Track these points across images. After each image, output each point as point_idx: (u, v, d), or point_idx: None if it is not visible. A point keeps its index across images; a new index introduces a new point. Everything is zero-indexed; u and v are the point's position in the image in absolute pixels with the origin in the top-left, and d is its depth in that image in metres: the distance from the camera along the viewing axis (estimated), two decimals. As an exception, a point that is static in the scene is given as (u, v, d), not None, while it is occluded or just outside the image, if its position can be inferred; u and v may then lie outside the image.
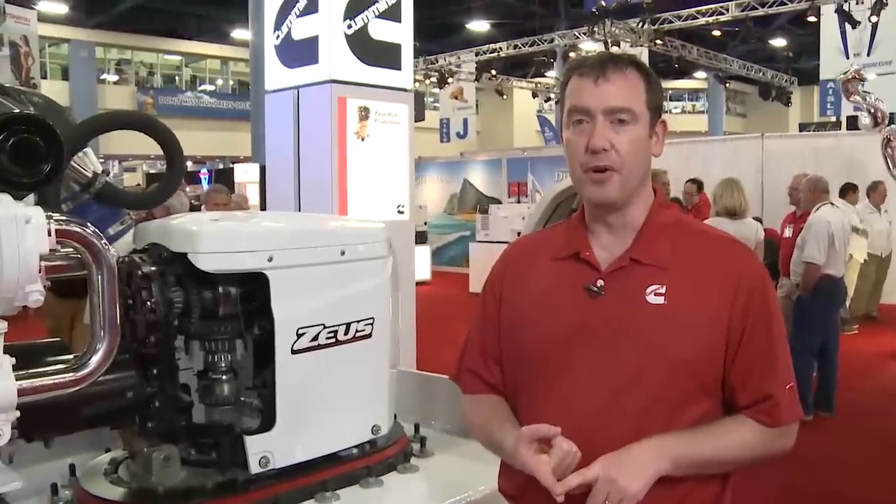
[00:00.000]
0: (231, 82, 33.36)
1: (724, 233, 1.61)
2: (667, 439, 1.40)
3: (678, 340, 1.43)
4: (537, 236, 1.79)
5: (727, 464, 1.48)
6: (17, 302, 1.20)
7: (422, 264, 14.10)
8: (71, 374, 1.32)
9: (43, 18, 20.40)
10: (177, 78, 32.47)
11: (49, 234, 1.21)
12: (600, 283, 1.48)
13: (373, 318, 1.80)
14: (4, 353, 1.24)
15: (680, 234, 1.53)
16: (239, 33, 26.02)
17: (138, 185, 21.96)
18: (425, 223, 16.23)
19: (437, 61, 22.85)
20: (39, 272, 1.20)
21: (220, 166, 24.33)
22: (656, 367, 1.42)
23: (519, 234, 9.78)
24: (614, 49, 15.50)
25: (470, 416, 1.67)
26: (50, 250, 1.22)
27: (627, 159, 1.46)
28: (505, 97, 26.41)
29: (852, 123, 14.70)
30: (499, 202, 16.69)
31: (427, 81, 23.61)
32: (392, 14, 5.04)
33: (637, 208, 1.53)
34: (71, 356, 1.44)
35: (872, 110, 8.16)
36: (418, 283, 7.48)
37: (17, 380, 1.24)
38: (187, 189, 11.77)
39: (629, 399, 1.42)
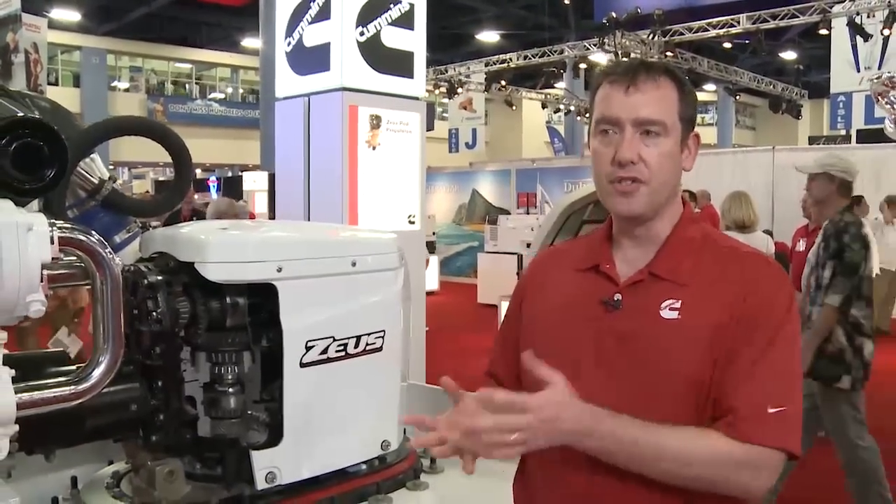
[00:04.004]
0: (241, 91, 33.50)
1: (754, 250, 1.51)
2: (611, 417, 1.30)
3: (692, 359, 1.35)
4: (565, 246, 1.76)
5: (667, 468, 1.31)
6: (17, 312, 1.15)
7: (430, 274, 14.09)
8: (72, 387, 1.27)
9: (55, 25, 20.55)
10: (187, 86, 32.62)
11: (52, 242, 1.17)
12: (617, 296, 1.44)
13: (384, 330, 1.75)
14: (4, 364, 1.20)
15: (705, 249, 1.46)
16: (249, 42, 26.18)
17: (147, 192, 22.04)
18: (434, 233, 16.25)
19: (447, 71, 22.86)
20: (41, 281, 1.16)
21: (229, 174, 24.40)
22: (669, 386, 1.36)
23: (528, 245, 9.74)
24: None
25: None
26: (53, 259, 1.18)
27: (656, 173, 1.41)
28: (514, 108, 26.42)
29: (863, 137, 14.68)
30: (507, 213, 16.70)
31: (437, 91, 23.62)
32: (405, 21, 5.00)
33: (663, 222, 1.47)
34: (73, 367, 1.40)
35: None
36: (426, 294, 7.43)
37: (16, 392, 1.20)
38: (195, 196, 11.76)
39: (641, 417, 1.34)
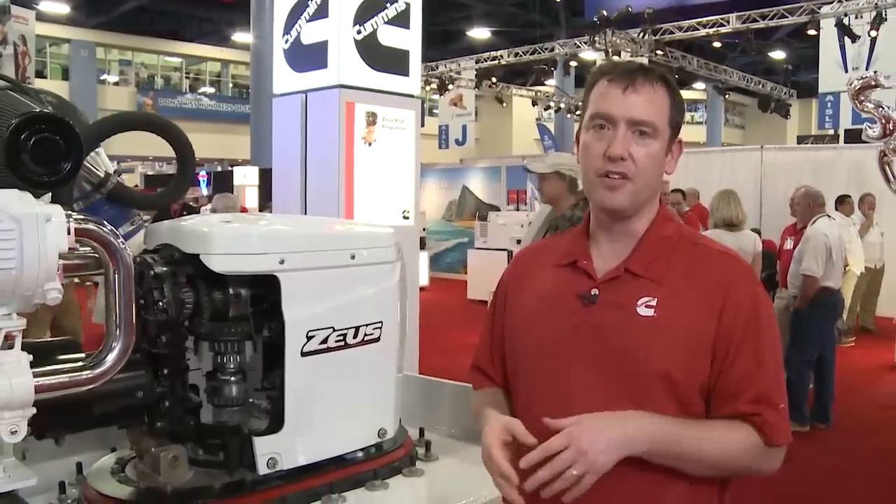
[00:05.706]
0: (231, 85, 33.38)
1: (723, 247, 1.59)
2: (650, 419, 1.37)
3: (663, 354, 1.42)
4: (547, 242, 1.82)
5: (707, 462, 1.42)
6: (35, 300, 1.21)
7: (420, 270, 14.13)
8: (87, 371, 1.32)
9: (44, 18, 20.40)
10: (176, 80, 32.48)
11: (69, 233, 1.22)
12: (594, 291, 1.50)
13: (381, 322, 1.80)
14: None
15: (678, 247, 1.53)
16: (240, 36, 26.06)
17: (136, 185, 21.95)
18: (424, 229, 16.27)
19: (438, 68, 22.82)
20: (58, 270, 1.21)
21: (219, 169, 24.34)
22: (643, 381, 1.42)
23: (518, 241, 9.79)
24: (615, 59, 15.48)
25: (472, 407, 1.73)
26: (69, 248, 1.23)
27: (642, 171, 1.47)
28: (504, 105, 26.41)
29: (850, 136, 14.78)
30: (498, 209, 16.72)
31: (427, 88, 23.59)
32: (401, 20, 5.05)
33: (641, 220, 1.54)
34: (84, 354, 1.44)
35: (884, 121, 8.16)
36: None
37: (34, 377, 1.24)
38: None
39: (616, 408, 1.41)
